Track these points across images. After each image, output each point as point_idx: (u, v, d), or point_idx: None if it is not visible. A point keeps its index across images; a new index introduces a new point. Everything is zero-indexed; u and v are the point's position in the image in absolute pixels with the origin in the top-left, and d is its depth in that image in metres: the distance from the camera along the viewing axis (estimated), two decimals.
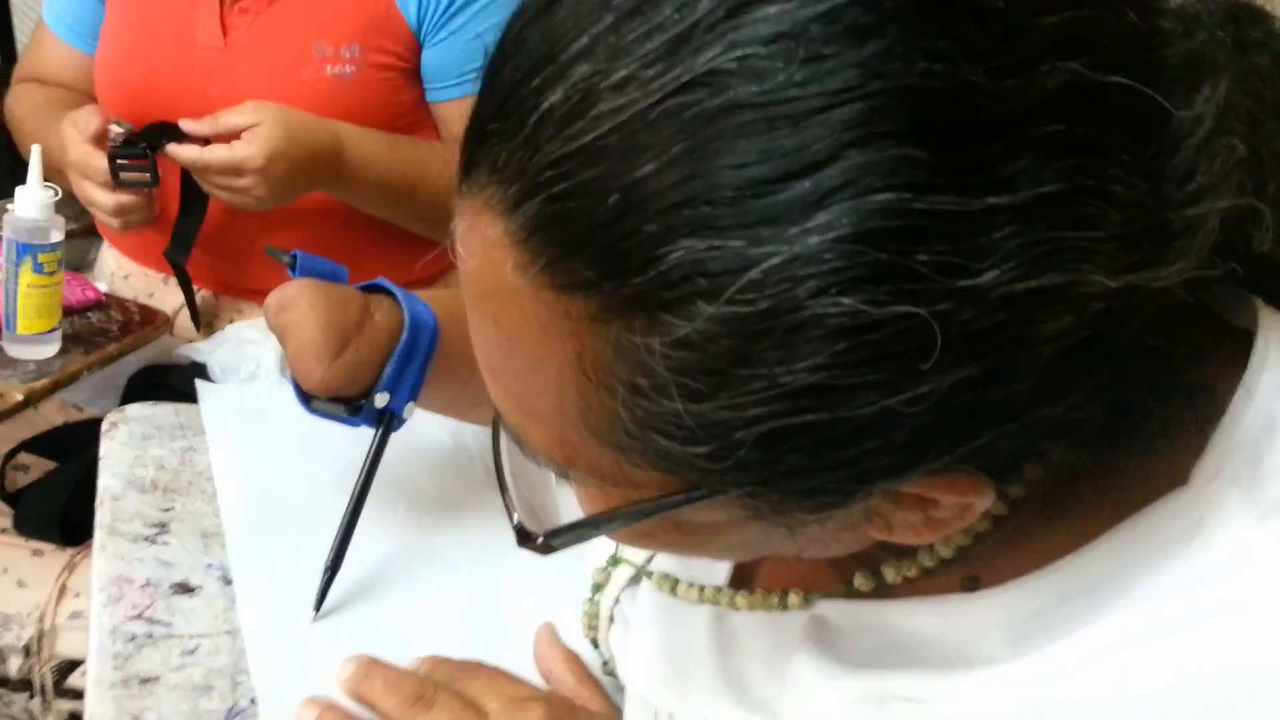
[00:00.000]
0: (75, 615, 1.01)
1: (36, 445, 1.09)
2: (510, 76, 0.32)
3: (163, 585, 0.60)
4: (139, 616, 0.58)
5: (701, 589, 0.55)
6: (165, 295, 1.22)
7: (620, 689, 0.63)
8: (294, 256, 0.65)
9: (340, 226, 1.16)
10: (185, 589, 0.60)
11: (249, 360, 1.10)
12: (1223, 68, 0.32)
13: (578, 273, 0.30)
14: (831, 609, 0.48)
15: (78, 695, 1.04)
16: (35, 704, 1.04)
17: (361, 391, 0.62)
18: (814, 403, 0.29)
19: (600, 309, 0.30)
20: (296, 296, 0.60)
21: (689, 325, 0.29)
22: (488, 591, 0.70)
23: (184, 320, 1.19)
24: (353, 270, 1.22)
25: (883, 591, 0.46)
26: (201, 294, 1.20)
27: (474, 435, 0.84)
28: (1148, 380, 0.35)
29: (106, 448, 0.69)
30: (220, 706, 0.54)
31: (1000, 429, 0.31)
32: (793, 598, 0.50)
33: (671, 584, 0.57)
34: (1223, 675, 0.34)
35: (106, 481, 0.66)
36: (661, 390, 0.31)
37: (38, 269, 0.94)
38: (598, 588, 0.62)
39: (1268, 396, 0.35)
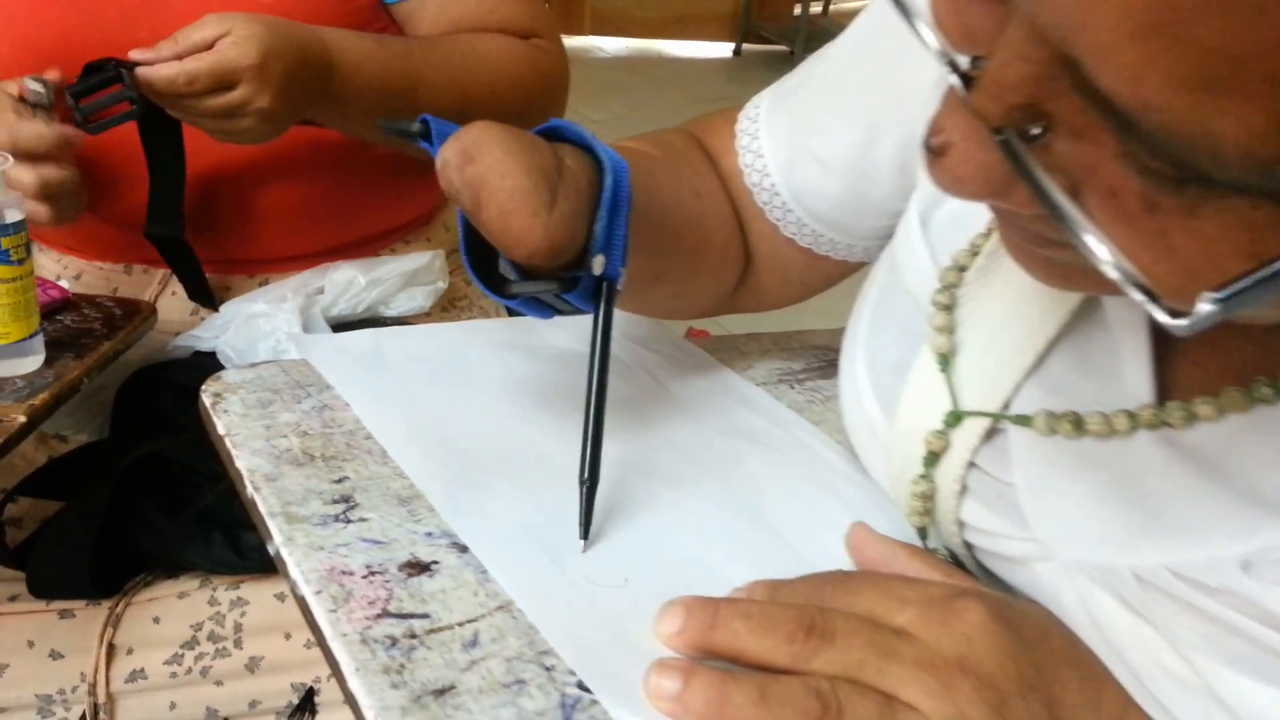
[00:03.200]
0: (134, 676, 0.82)
1: (28, 490, 0.89)
2: None
3: (389, 569, 0.44)
4: (384, 613, 0.41)
5: (1131, 415, 0.42)
6: (131, 288, 1.02)
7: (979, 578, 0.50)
8: (423, 121, 0.49)
9: (336, 165, 0.99)
10: (419, 567, 0.44)
11: (265, 337, 0.92)
12: None
13: None
14: None
15: None
16: None
17: (572, 259, 0.47)
18: None
19: None
20: (484, 140, 0.44)
21: None
22: (738, 499, 0.56)
23: (165, 311, 0.99)
24: (333, 220, 1.04)
25: None
26: (178, 278, 1.00)
27: (619, 348, 0.69)
28: None
29: (225, 423, 0.51)
30: (548, 703, 0.39)
31: None
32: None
33: (1072, 422, 0.43)
34: None
35: (249, 461, 0.49)
36: None
37: (3, 258, 0.74)
38: (933, 458, 0.48)
39: None
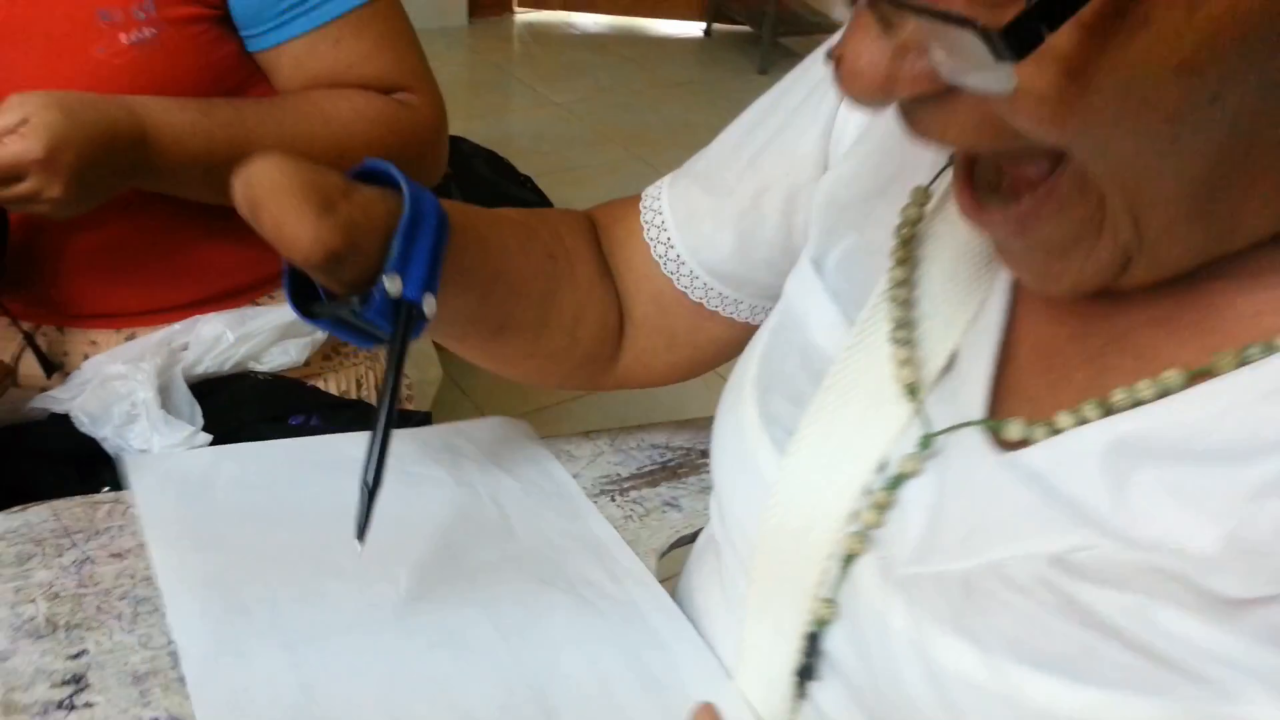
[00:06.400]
0: None
1: None
2: None
3: None
4: None
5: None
6: None
7: None
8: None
9: (197, 211, 0.97)
10: None
11: (120, 400, 0.91)
12: None
13: None
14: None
15: None
16: None
17: (368, 276, 0.50)
18: None
19: None
20: (262, 166, 0.48)
21: None
22: (550, 684, 0.53)
23: (26, 367, 0.98)
24: (201, 271, 1.03)
25: None
26: (41, 332, 0.99)
27: (480, 472, 0.69)
28: None
29: None
30: None
31: None
32: (1090, 410, 0.42)
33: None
34: None
35: None
36: None
37: None
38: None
39: None
